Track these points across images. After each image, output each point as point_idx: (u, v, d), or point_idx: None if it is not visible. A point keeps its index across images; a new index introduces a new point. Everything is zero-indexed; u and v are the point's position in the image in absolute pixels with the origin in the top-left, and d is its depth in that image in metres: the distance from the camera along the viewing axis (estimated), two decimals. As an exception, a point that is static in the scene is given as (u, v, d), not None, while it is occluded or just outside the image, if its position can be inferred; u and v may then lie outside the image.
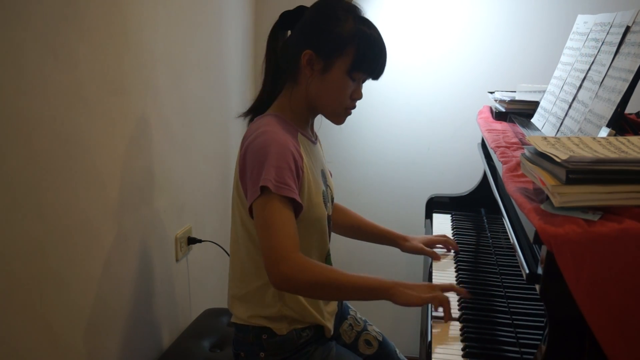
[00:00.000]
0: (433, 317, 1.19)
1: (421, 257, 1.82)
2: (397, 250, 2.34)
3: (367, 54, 1.17)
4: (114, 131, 1.23)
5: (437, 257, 1.52)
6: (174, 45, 1.50)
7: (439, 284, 1.16)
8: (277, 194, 1.06)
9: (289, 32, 1.26)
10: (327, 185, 1.29)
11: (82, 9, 1.08)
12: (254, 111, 1.27)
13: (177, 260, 1.61)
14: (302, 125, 1.25)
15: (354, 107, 1.24)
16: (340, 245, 2.35)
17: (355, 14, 1.19)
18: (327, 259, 1.30)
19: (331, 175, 1.45)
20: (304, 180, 1.16)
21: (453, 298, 1.32)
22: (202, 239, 1.72)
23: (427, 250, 1.52)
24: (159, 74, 1.42)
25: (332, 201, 1.35)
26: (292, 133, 1.19)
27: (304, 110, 1.23)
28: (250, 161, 1.12)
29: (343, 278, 1.09)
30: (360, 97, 1.23)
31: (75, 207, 1.11)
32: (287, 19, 1.25)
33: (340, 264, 2.37)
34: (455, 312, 1.23)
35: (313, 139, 1.28)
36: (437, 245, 1.58)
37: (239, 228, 1.23)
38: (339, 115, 1.24)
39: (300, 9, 1.24)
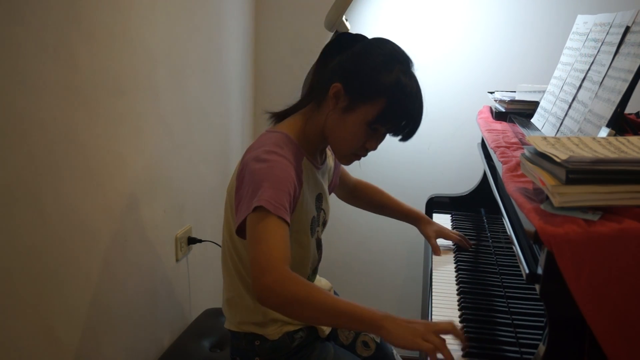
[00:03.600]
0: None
1: (421, 259, 1.82)
2: (395, 251, 2.35)
3: (396, 112, 1.10)
4: (114, 131, 1.23)
5: (437, 252, 1.53)
6: (174, 45, 1.50)
7: (436, 325, 0.98)
8: (274, 214, 1.00)
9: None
10: (320, 209, 1.26)
11: (82, 9, 1.08)
12: (281, 116, 1.22)
13: (177, 260, 1.61)
14: (311, 150, 1.20)
15: (364, 155, 1.18)
16: (341, 245, 2.36)
17: (404, 66, 1.11)
18: None
19: (338, 180, 1.44)
20: (295, 208, 1.12)
21: (452, 297, 1.32)
22: (202, 239, 1.72)
23: (433, 242, 1.53)
24: (159, 74, 1.42)
25: (324, 224, 1.31)
26: (298, 157, 1.14)
27: (317, 137, 1.18)
28: (249, 178, 1.07)
29: (330, 300, 0.97)
30: (373, 149, 1.16)
31: (75, 207, 1.11)
32: (342, 41, 1.18)
33: (339, 266, 2.38)
34: (455, 313, 1.23)
35: (318, 164, 1.24)
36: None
37: (226, 235, 1.23)
38: (345, 157, 1.18)
39: (358, 36, 1.18)
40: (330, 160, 1.37)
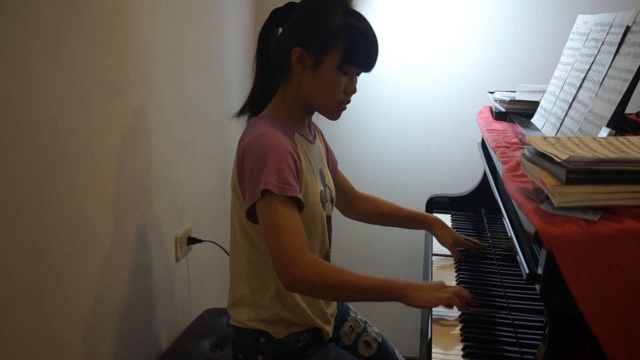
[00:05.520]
0: (434, 320, 1.17)
1: (421, 258, 1.82)
2: (395, 250, 2.35)
3: (356, 46, 1.15)
4: (114, 131, 1.23)
5: (459, 256, 1.50)
6: (174, 45, 1.50)
7: (448, 285, 1.15)
8: (280, 195, 1.05)
9: (280, 30, 1.24)
10: (325, 185, 1.27)
11: (82, 9, 1.08)
12: (245, 111, 1.27)
13: (177, 260, 1.61)
14: (299, 124, 1.24)
15: (348, 101, 1.22)
16: (341, 244, 2.36)
17: (343, 6, 1.17)
18: (326, 260, 1.29)
19: (336, 170, 1.45)
20: (302, 182, 1.15)
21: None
22: (202, 239, 1.72)
23: (454, 249, 1.49)
24: (159, 73, 1.42)
25: (333, 201, 1.33)
26: (289, 134, 1.18)
27: (299, 108, 1.22)
28: (249, 164, 1.10)
29: (355, 279, 1.07)
30: (354, 91, 1.21)
31: (75, 207, 1.11)
32: (278, 16, 1.23)
33: (340, 263, 2.38)
34: (455, 312, 1.23)
35: (310, 138, 1.27)
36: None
37: (237, 230, 1.23)
38: (333, 110, 1.22)
39: (290, 5, 1.23)
40: (321, 140, 1.39)
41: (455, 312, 1.21)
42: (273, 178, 1.06)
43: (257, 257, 1.21)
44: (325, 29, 1.14)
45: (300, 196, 1.09)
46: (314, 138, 1.30)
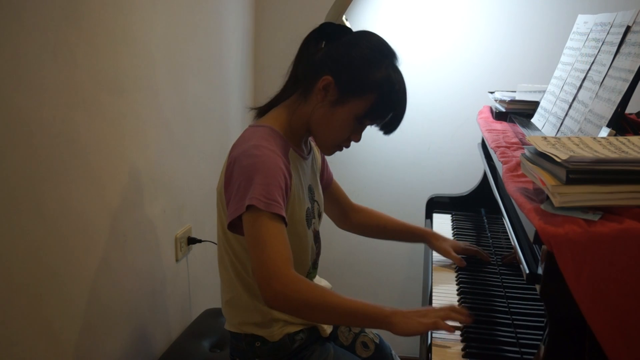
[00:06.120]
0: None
1: (421, 259, 1.82)
2: (395, 250, 2.35)
3: (385, 107, 1.12)
4: (114, 131, 1.23)
5: (462, 264, 1.45)
6: (174, 45, 1.50)
7: (436, 307, 1.09)
8: (266, 211, 1.02)
9: (324, 44, 1.19)
10: (314, 201, 1.25)
11: (82, 9, 1.08)
12: (266, 110, 1.23)
13: (177, 260, 1.61)
14: (296, 140, 1.20)
15: (347, 146, 1.20)
16: (341, 243, 2.36)
17: (390, 60, 1.13)
18: (307, 278, 1.26)
19: (331, 182, 1.44)
20: (289, 199, 1.12)
21: (452, 297, 1.32)
22: (202, 239, 1.72)
23: (454, 255, 1.45)
24: (158, 74, 1.42)
25: (320, 216, 1.30)
26: (284, 149, 1.14)
27: (301, 128, 1.19)
28: (238, 175, 1.07)
29: (339, 301, 1.02)
30: (357, 141, 1.19)
31: (75, 207, 1.11)
32: (326, 31, 1.18)
33: (339, 265, 2.38)
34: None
35: (304, 153, 1.24)
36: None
37: (220, 234, 1.22)
38: (329, 148, 1.20)
39: (344, 29, 1.18)
40: (317, 152, 1.36)
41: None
42: (260, 193, 1.02)
43: (238, 263, 1.20)
44: (364, 75, 1.10)
45: (285, 215, 1.06)
46: (308, 153, 1.27)
